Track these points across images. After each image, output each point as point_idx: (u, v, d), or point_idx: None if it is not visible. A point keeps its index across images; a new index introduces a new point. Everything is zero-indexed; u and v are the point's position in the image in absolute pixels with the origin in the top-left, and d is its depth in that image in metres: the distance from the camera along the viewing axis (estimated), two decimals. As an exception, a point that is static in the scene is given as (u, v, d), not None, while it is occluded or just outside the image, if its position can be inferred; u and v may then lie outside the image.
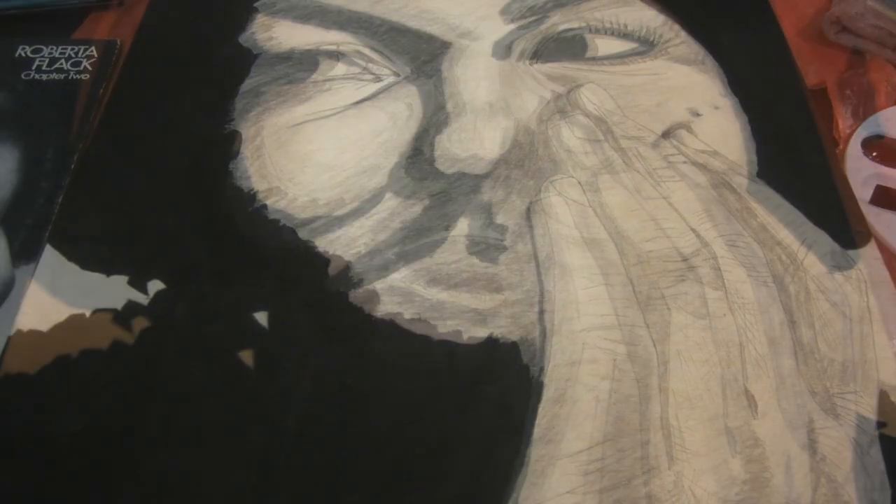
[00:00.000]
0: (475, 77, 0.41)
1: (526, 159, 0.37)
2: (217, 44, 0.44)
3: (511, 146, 0.38)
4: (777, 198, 0.36)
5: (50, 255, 0.35)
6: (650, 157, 0.37)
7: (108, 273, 0.34)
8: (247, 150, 0.38)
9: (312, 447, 0.29)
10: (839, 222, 0.36)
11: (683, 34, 0.43)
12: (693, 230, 0.34)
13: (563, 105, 0.40)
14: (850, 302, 0.33)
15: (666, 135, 0.39)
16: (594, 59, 0.42)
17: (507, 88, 0.40)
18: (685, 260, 0.33)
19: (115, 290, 0.33)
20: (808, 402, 0.30)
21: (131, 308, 0.32)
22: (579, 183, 0.36)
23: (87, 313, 0.32)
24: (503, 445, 0.29)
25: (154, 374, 0.31)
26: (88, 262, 0.34)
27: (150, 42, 0.45)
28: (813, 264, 0.34)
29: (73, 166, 0.38)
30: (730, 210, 0.35)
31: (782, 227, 0.35)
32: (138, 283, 0.33)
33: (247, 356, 0.31)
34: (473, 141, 0.38)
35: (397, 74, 0.42)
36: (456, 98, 0.40)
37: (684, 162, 0.37)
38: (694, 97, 0.41)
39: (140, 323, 0.32)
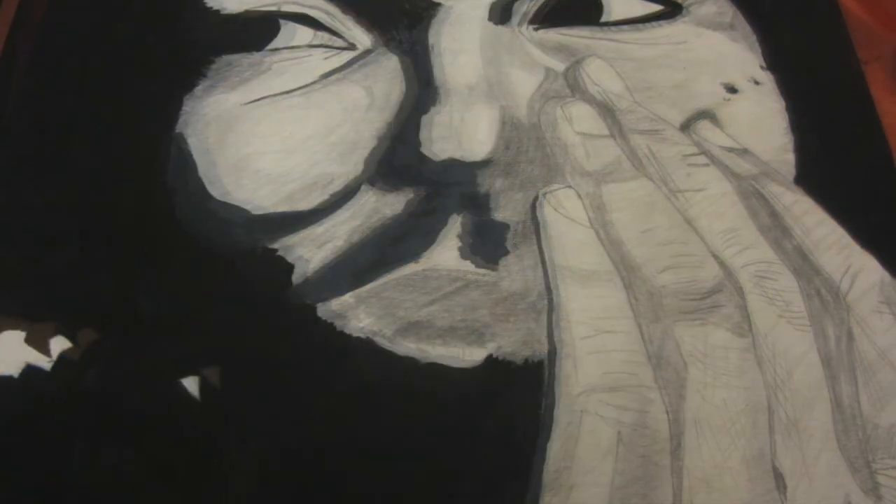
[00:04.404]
0: (463, 49, 0.34)
1: (513, 163, 0.31)
2: None
3: (496, 145, 0.31)
4: (818, 212, 0.30)
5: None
6: (665, 159, 0.30)
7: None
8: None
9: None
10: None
11: (710, -15, 0.35)
12: (716, 256, 0.29)
13: (560, 88, 0.32)
14: (899, 348, 0.28)
15: (685, 126, 0.32)
16: (606, 26, 0.34)
17: (495, 66, 0.33)
18: (705, 297, 0.28)
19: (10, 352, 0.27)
20: (846, 481, 0.26)
21: (31, 374, 0.27)
22: (579, 196, 0.30)
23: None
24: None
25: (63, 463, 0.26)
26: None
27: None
28: (858, 299, 0.28)
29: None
30: (761, 228, 0.29)
31: (823, 251, 0.29)
32: (38, 342, 0.27)
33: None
34: (456, 135, 0.32)
35: (373, 43, 0.35)
36: (442, 75, 0.33)
37: (706, 164, 0.30)
38: (728, 70, 0.34)
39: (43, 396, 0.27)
